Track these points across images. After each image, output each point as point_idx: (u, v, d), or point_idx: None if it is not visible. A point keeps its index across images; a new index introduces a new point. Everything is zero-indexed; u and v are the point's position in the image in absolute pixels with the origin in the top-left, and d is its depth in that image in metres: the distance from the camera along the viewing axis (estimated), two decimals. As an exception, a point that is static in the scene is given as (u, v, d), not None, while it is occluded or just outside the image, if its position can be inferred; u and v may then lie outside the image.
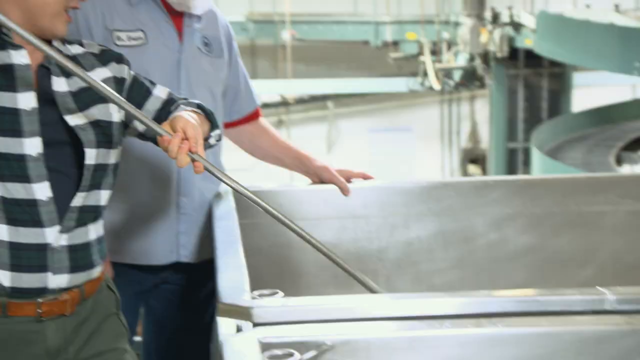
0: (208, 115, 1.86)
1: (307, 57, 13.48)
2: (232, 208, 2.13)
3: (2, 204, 1.65)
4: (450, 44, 10.78)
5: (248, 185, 1.83)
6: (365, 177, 2.51)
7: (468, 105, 13.85)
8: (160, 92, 1.88)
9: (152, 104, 1.86)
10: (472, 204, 2.48)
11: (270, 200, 2.04)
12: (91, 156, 1.71)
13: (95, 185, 1.75)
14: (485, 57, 9.78)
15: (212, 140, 1.87)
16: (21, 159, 1.64)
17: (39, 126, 1.66)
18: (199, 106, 1.85)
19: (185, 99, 1.93)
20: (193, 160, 1.67)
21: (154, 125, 1.68)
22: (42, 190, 1.66)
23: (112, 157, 1.77)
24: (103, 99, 1.74)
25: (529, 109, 10.33)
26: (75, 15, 2.08)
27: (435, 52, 10.96)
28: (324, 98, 13.38)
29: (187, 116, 1.70)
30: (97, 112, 1.75)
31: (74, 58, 1.76)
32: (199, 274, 2.30)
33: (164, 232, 2.27)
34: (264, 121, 2.53)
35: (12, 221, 1.66)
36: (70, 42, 1.80)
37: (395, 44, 12.01)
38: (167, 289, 2.33)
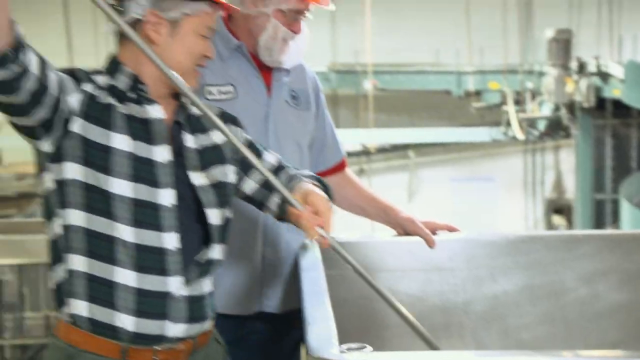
0: (326, 188, 1.91)
1: (389, 107, 13.51)
2: (318, 259, 2.13)
3: (133, 250, 1.70)
4: (535, 94, 10.64)
5: (331, 235, 1.85)
6: (451, 229, 2.48)
7: (552, 155, 13.61)
8: (270, 158, 1.96)
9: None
10: (561, 258, 2.43)
11: (355, 251, 2.04)
12: (214, 216, 1.78)
13: (215, 241, 1.82)
14: (571, 107, 9.61)
15: None
16: (156, 208, 1.71)
17: (172, 179, 1.73)
18: (317, 179, 1.93)
19: (296, 168, 1.99)
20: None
21: (287, 194, 1.75)
22: (171, 240, 1.72)
23: (228, 214, 1.84)
24: (222, 160, 1.83)
25: (617, 159, 10.08)
26: None
27: (518, 102, 10.84)
28: (405, 147, 13.36)
29: (317, 191, 1.79)
30: (217, 172, 1.82)
31: (195, 118, 1.83)
32: (284, 324, 2.30)
33: (249, 282, 2.28)
34: (350, 172, 2.54)
35: (140, 268, 1.71)
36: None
37: (478, 93, 11.93)
38: (252, 338, 2.34)
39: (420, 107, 13.81)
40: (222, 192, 1.82)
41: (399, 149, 13.44)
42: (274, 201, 1.94)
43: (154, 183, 1.71)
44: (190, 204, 1.78)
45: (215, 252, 1.82)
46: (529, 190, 13.58)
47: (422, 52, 13.14)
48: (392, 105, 13.60)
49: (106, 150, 1.68)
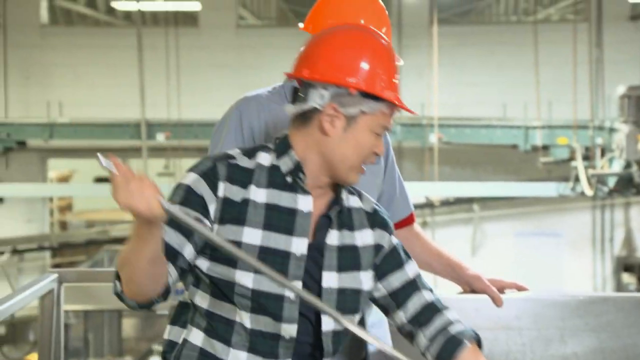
0: (480, 345, 1.84)
1: (454, 160, 13.46)
2: (383, 316, 2.10)
3: (248, 334, 1.72)
4: (604, 150, 10.48)
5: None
6: (519, 288, 2.43)
7: (622, 212, 13.32)
8: (410, 270, 1.86)
9: (397, 279, 1.84)
10: (634, 321, 2.36)
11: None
12: (328, 324, 1.75)
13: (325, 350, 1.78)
14: (643, 164, 9.44)
15: None
16: (280, 299, 1.71)
17: (303, 272, 1.73)
18: (476, 338, 1.84)
19: (441, 303, 1.87)
20: None
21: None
22: (289, 331, 1.72)
23: (350, 323, 1.74)
24: (357, 266, 1.78)
25: (690, 218, 9.82)
26: (241, 124, 2.18)
27: (587, 157, 10.68)
28: (469, 200, 13.25)
29: None
30: (348, 278, 1.77)
31: (348, 211, 1.82)
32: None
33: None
34: (417, 226, 2.52)
35: (252, 350, 1.73)
36: (352, 192, 1.85)
37: (545, 148, 11.80)
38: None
39: (485, 160, 13.73)
40: (349, 299, 1.77)
41: (463, 202, 13.34)
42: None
43: (284, 275, 1.69)
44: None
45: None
46: (597, 247, 13.29)
47: (488, 105, 13.10)
48: (457, 159, 13.55)
49: (236, 244, 1.68)
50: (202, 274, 1.74)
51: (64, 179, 17.01)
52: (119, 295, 1.69)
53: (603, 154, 10.46)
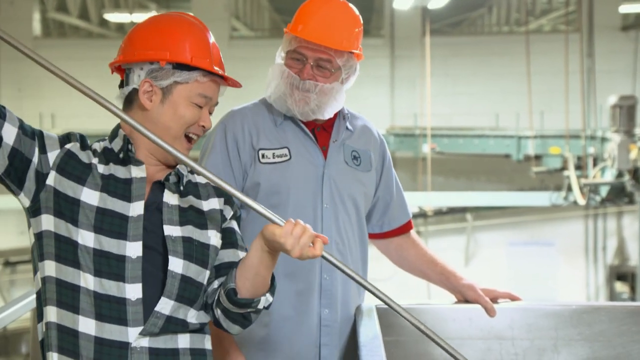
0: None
1: (447, 170, 13.48)
2: (376, 325, 2.11)
3: (94, 298, 1.74)
4: (597, 159, 10.51)
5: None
6: (512, 298, 2.45)
7: (615, 221, 13.35)
8: (241, 254, 1.88)
9: (227, 255, 1.87)
10: (627, 330, 2.36)
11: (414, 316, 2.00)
12: (177, 265, 1.78)
13: (184, 300, 1.79)
14: (635, 173, 9.45)
15: (260, 305, 1.83)
16: (122, 259, 1.75)
17: (141, 232, 1.78)
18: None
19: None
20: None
21: (265, 212, 1.73)
22: (133, 291, 1.75)
23: (204, 277, 1.82)
24: (203, 225, 1.84)
25: (683, 227, 9.84)
26: (225, 136, 2.26)
27: (580, 167, 10.70)
28: (462, 210, 13.26)
29: None
30: (194, 232, 1.83)
31: (194, 185, 1.90)
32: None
33: (306, 344, 2.27)
34: (414, 234, 2.53)
35: (99, 317, 1.74)
36: (193, 173, 1.93)
37: (538, 157, 11.83)
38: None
39: (478, 170, 13.75)
40: (198, 250, 1.82)
41: (456, 212, 13.35)
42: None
43: (123, 236, 1.76)
44: (161, 257, 1.79)
45: (184, 311, 1.79)
46: (590, 256, 13.30)
47: (481, 115, 13.13)
48: (450, 169, 13.57)
49: (75, 202, 1.76)
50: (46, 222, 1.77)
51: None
52: None
53: (595, 163, 10.48)
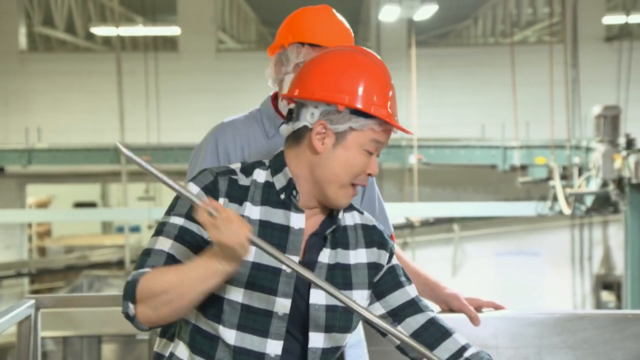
0: None
1: (433, 181, 13.53)
2: (361, 336, 2.12)
3: (234, 352, 1.70)
4: (582, 169, 10.58)
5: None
6: (496, 307, 2.46)
7: (600, 230, 13.42)
8: (411, 291, 1.85)
9: (396, 298, 1.83)
10: (610, 338, 2.38)
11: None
12: (317, 341, 1.74)
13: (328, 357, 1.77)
14: (619, 182, 9.52)
15: None
16: (269, 315, 1.71)
17: (292, 290, 1.72)
18: None
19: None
20: None
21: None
22: (274, 348, 1.71)
23: (342, 341, 1.76)
24: (348, 285, 1.76)
25: (667, 235, 9.90)
26: (217, 148, 2.22)
27: (565, 177, 10.77)
28: (449, 220, 13.30)
29: None
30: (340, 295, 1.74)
31: (344, 229, 1.81)
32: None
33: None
34: (397, 247, 2.53)
35: None
36: (349, 210, 1.84)
37: (523, 168, 11.89)
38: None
39: (465, 181, 13.80)
40: (340, 317, 1.75)
41: (443, 222, 13.38)
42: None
43: (273, 291, 1.70)
44: (302, 318, 1.74)
45: None
46: (576, 265, 13.36)
47: (467, 126, 13.19)
48: (437, 179, 13.61)
49: None
50: None
51: (43, 205, 16.89)
52: (129, 317, 1.67)
53: (580, 173, 10.55)
